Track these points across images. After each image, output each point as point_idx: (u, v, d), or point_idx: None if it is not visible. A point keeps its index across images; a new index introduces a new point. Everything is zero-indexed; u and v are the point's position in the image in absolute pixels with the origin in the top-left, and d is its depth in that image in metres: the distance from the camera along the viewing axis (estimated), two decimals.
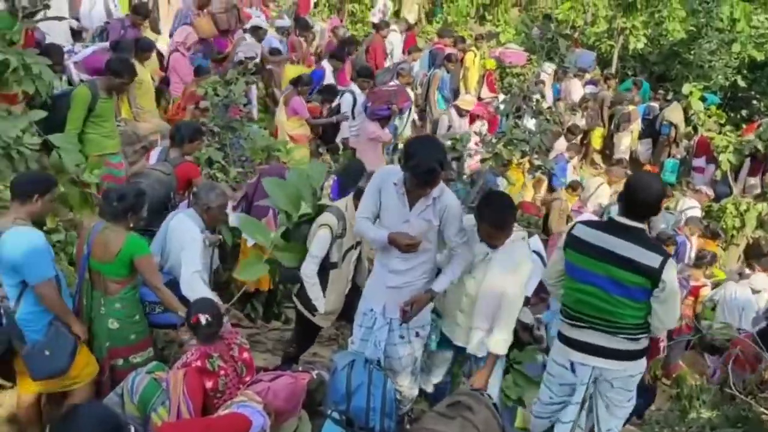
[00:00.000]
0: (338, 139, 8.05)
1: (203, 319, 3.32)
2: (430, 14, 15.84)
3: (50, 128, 4.94)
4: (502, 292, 3.36)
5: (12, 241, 3.21)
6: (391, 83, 8.16)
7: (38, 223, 4.69)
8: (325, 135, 8.17)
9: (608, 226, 3.08)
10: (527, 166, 6.50)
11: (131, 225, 3.64)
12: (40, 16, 5.67)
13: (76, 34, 7.73)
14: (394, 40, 10.75)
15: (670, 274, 2.89)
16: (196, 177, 5.15)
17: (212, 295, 3.83)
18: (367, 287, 3.66)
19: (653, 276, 2.88)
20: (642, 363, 3.14)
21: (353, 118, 7.78)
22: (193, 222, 4.07)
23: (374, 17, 11.82)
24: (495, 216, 3.27)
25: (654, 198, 2.95)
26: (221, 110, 6.52)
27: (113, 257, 3.51)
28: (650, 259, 2.89)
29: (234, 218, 4.92)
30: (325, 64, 8.84)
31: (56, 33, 7.04)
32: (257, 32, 8.54)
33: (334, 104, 8.03)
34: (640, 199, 2.94)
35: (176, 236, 4.01)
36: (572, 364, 3.15)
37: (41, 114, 4.71)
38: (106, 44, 6.83)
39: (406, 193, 3.29)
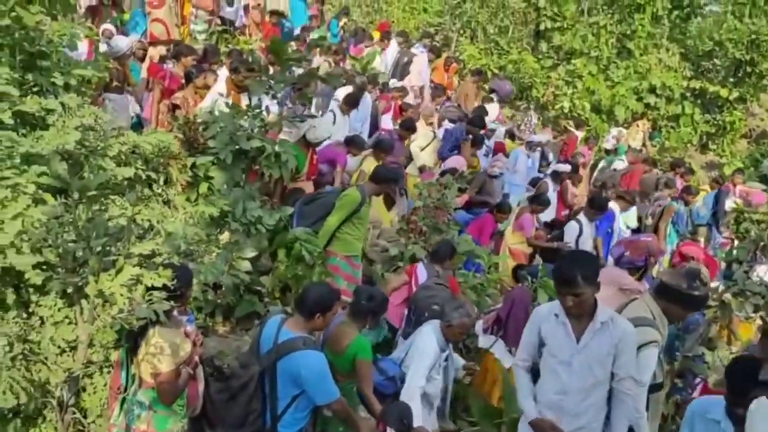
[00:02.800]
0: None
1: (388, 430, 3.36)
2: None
3: (307, 215, 5.48)
4: None
5: (305, 363, 3.40)
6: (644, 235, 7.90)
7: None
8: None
9: None
10: (758, 322, 5.74)
11: (367, 326, 3.92)
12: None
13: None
14: (618, 166, 10.74)
15: None
16: (456, 291, 5.47)
17: (419, 415, 3.84)
18: (525, 426, 3.37)
19: None
20: None
21: (576, 247, 7.44)
22: (434, 335, 4.18)
23: (607, 143, 11.81)
24: (739, 387, 2.91)
25: None
26: (431, 211, 6.76)
27: (342, 351, 3.76)
28: None
29: (484, 340, 5.08)
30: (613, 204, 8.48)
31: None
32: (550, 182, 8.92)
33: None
34: None
35: (416, 344, 4.17)
36: None
37: (290, 210, 5.32)
38: (341, 138, 7.55)
39: (570, 323, 3.12)
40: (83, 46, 5.82)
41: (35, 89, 4.45)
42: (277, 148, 5.48)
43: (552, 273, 3.24)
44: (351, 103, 8.19)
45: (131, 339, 3.13)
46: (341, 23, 13.15)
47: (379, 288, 4.71)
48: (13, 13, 4.07)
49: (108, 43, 7.04)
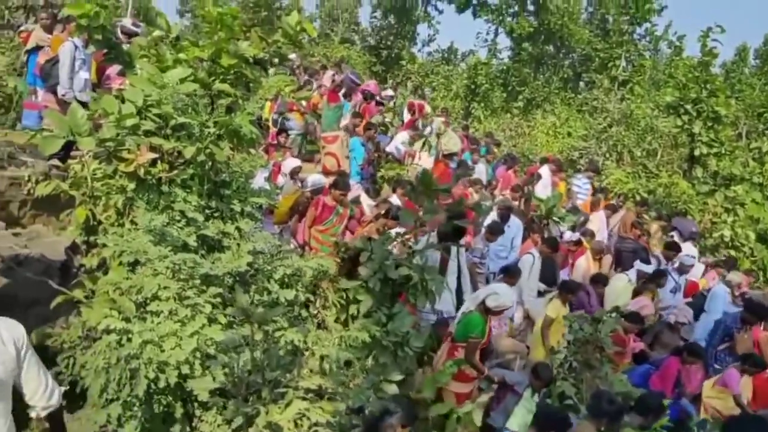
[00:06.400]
0: None
1: None
2: None
3: None
4: None
5: None
6: None
7: None
8: None
9: None
10: None
11: (602, 429, 4.11)
12: None
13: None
14: None
15: None
16: None
17: None
18: None
19: None
20: None
21: None
22: None
23: None
24: None
25: None
26: (582, 347, 6.39)
27: None
28: None
29: None
30: None
31: None
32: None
33: None
34: None
35: None
36: None
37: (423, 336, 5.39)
38: None
39: None
40: (259, 177, 6.44)
41: (215, 214, 4.95)
42: (425, 275, 5.56)
43: None
44: (494, 231, 8.23)
45: None
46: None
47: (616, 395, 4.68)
48: (208, 150, 4.63)
49: (303, 178, 7.88)
